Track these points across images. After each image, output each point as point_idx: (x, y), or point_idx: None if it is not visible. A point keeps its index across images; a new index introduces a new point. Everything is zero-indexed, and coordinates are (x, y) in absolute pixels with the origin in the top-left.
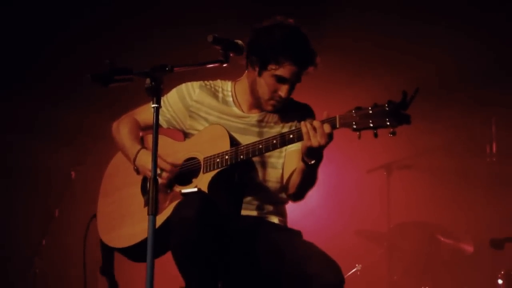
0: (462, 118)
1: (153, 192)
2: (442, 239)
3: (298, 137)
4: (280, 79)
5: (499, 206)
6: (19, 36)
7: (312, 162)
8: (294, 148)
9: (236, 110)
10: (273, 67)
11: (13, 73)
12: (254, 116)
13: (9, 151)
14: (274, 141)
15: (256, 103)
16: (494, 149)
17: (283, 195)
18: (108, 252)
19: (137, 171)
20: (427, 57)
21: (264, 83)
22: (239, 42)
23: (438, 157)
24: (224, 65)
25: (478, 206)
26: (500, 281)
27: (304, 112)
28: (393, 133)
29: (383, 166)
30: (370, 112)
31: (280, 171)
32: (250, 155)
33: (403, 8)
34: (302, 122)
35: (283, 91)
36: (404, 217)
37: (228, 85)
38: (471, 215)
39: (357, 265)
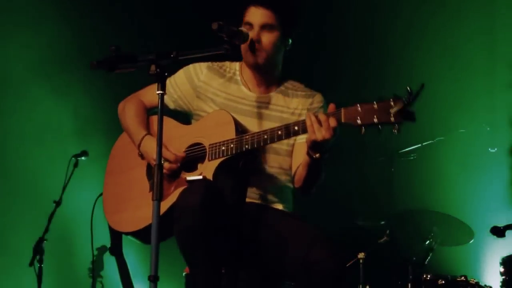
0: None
1: (157, 178)
2: (444, 226)
3: (303, 130)
4: (249, 26)
5: (502, 193)
6: None
7: (317, 155)
8: (305, 140)
9: (243, 88)
10: (243, 17)
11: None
12: (261, 97)
13: (12, 140)
14: (279, 132)
15: (260, 81)
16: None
17: (287, 182)
18: (116, 232)
19: (142, 156)
20: None
21: None
22: (244, 30)
23: (441, 144)
24: (229, 53)
25: (480, 193)
26: (501, 268)
27: (314, 101)
28: (398, 130)
29: (386, 153)
30: (375, 107)
31: (282, 157)
32: (255, 145)
33: None
34: (307, 114)
35: (252, 34)
36: (406, 205)
37: (236, 65)
38: (473, 202)
39: (359, 253)
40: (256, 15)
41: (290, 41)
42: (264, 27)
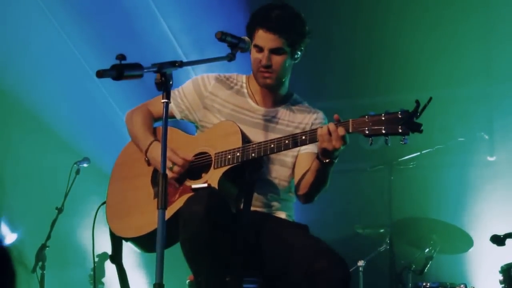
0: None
1: (163, 186)
2: (443, 234)
3: (311, 139)
4: (259, 49)
5: (501, 202)
6: None
7: (327, 160)
8: (308, 151)
9: (250, 101)
10: (252, 38)
11: None
12: (268, 111)
13: (15, 146)
14: (286, 141)
15: (267, 95)
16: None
17: (290, 193)
18: (117, 240)
19: (148, 162)
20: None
21: (251, 58)
22: (246, 39)
23: (440, 152)
24: (231, 61)
25: (479, 201)
26: (500, 277)
27: (318, 117)
28: (405, 141)
29: (385, 162)
30: (383, 118)
31: (287, 169)
32: (262, 154)
33: None
34: (318, 128)
35: (263, 59)
36: (405, 213)
37: (243, 78)
38: (472, 210)
39: (359, 261)
40: (265, 40)
41: (300, 54)
42: (273, 51)
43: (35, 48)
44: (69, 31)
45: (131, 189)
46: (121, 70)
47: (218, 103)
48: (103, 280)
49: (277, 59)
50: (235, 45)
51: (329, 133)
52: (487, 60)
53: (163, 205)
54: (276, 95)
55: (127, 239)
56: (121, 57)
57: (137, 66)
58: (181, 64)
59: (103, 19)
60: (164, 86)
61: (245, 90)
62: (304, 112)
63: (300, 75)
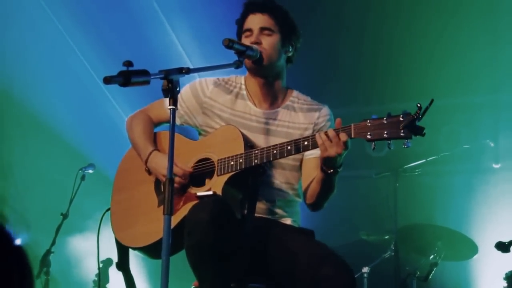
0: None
1: (168, 193)
2: (448, 241)
3: (313, 145)
4: (249, 32)
5: (506, 209)
6: None
7: (331, 170)
8: (313, 156)
9: (249, 104)
10: (242, 26)
11: None
12: (268, 113)
13: (20, 152)
14: (289, 147)
15: (265, 94)
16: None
17: (294, 196)
18: (123, 248)
19: (149, 172)
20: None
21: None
22: (254, 46)
23: (445, 160)
24: (239, 68)
25: (484, 208)
26: (504, 283)
27: (320, 115)
28: (407, 145)
29: (391, 169)
30: (385, 122)
31: (288, 173)
32: (265, 160)
33: None
34: (317, 134)
35: (252, 38)
36: (410, 220)
37: (241, 79)
38: (477, 217)
39: (364, 268)
40: (254, 21)
41: (291, 48)
42: (263, 30)
43: (40, 54)
44: (75, 37)
45: (135, 197)
46: (128, 77)
47: (217, 108)
48: (107, 286)
49: (267, 39)
50: (242, 52)
51: (330, 140)
52: (493, 68)
53: (169, 211)
54: (274, 93)
55: (134, 248)
56: (128, 63)
57: (144, 73)
58: (188, 70)
59: (109, 25)
60: (171, 93)
61: (244, 92)
62: (305, 111)
63: (306, 82)
